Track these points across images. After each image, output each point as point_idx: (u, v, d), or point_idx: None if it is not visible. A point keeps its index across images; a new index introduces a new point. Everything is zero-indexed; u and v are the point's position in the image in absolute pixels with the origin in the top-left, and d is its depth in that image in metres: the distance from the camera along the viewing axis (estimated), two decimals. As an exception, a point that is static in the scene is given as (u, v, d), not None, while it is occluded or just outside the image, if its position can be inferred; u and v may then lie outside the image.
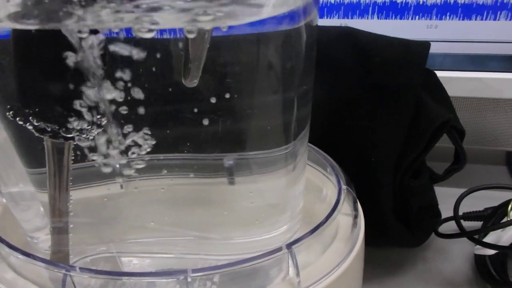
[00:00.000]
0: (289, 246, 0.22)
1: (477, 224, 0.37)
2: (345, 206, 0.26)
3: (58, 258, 0.25)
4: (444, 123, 0.30)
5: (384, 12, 0.40)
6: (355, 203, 0.27)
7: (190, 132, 0.24)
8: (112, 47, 0.19)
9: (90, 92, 0.20)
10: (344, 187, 0.27)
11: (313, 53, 0.25)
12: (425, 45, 0.31)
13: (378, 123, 0.32)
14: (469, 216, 0.38)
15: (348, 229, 0.26)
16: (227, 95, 0.23)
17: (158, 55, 0.20)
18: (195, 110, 0.23)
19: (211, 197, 0.28)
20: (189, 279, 0.21)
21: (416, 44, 0.31)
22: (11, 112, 0.21)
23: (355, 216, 0.27)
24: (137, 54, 0.19)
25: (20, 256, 0.23)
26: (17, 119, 0.21)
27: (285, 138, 0.26)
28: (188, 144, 0.24)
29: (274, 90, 0.24)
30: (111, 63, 0.19)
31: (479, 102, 0.42)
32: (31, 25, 0.18)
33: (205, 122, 0.23)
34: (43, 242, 0.26)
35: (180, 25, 0.19)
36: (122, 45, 0.19)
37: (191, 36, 0.19)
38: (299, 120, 0.26)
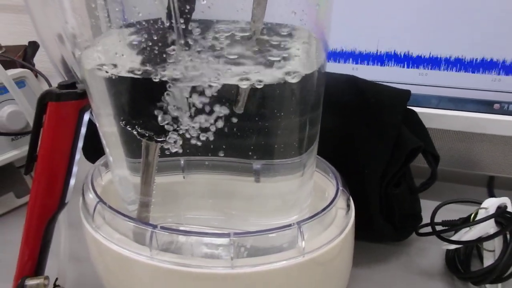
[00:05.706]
0: (299, 223, 0.30)
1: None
2: (341, 202, 0.33)
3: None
4: (415, 148, 0.38)
5: (387, 60, 0.47)
6: (348, 200, 0.34)
7: (233, 144, 0.30)
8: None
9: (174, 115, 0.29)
10: (340, 188, 0.34)
11: (322, 90, 0.31)
12: (407, 92, 0.39)
13: (369, 146, 0.40)
14: (446, 223, 0.45)
15: (342, 218, 0.33)
16: (262, 118, 0.29)
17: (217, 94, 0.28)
18: (240, 129, 0.29)
19: (243, 190, 0.34)
20: (230, 241, 0.29)
21: (400, 92, 0.39)
22: (123, 122, 0.29)
23: (348, 210, 0.33)
24: (210, 92, 0.27)
25: (120, 216, 0.31)
26: (127, 126, 0.29)
27: (298, 151, 0.32)
28: (231, 151, 0.30)
29: (291, 116, 0.30)
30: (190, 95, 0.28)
31: (464, 135, 0.49)
32: (139, 76, 0.27)
33: (244, 138, 0.30)
34: (132, 208, 0.34)
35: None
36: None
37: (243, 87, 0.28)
38: (308, 138, 0.32)
